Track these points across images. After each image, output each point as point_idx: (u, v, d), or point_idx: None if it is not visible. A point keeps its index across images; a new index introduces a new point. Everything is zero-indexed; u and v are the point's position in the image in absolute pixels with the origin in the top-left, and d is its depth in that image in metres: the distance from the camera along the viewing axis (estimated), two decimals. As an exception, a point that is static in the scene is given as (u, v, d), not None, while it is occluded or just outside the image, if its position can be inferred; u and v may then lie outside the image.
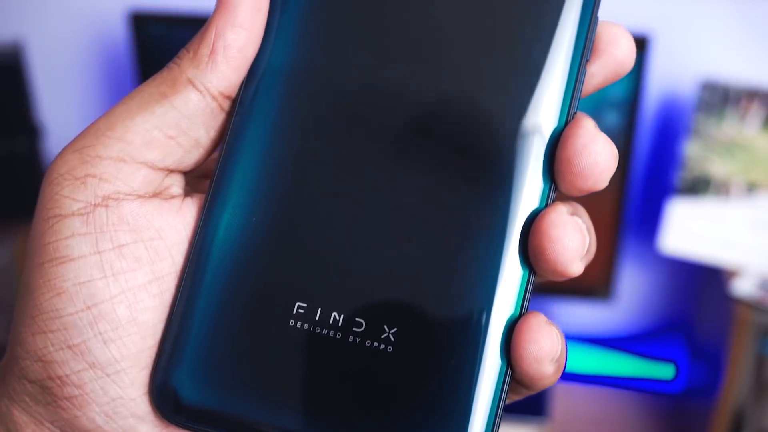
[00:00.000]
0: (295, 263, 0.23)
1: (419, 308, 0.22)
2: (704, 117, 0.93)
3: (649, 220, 1.08)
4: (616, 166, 0.22)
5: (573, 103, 0.23)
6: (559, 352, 0.22)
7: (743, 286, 0.91)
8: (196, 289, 0.23)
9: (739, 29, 0.98)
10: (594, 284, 1.03)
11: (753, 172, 0.94)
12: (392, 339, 0.22)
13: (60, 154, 0.23)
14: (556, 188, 0.23)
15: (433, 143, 0.23)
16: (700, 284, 1.05)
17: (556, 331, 0.22)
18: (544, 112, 0.23)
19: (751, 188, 0.94)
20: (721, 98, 0.93)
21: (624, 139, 0.96)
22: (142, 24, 0.99)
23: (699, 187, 0.95)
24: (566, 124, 0.23)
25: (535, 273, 0.23)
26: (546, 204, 0.23)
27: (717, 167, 0.94)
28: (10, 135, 0.97)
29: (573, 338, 1.16)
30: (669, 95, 1.03)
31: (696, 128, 0.94)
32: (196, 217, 0.23)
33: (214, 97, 0.23)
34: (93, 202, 0.22)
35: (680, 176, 0.96)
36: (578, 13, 0.23)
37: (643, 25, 0.96)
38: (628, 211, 1.07)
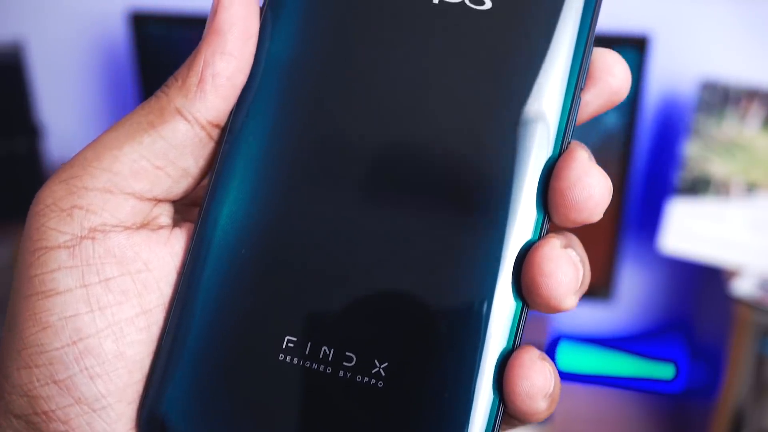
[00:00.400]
0: (284, 296, 0.22)
1: (411, 342, 0.22)
2: (704, 117, 0.93)
3: (649, 220, 1.08)
4: (610, 198, 0.22)
5: (567, 132, 0.23)
6: (552, 388, 0.22)
7: (743, 286, 0.91)
8: (185, 322, 0.22)
9: (739, 29, 0.98)
10: (594, 284, 1.04)
11: (753, 172, 0.94)
12: (383, 374, 0.22)
13: (46, 184, 0.22)
14: (550, 219, 0.23)
15: (425, 173, 0.22)
16: (700, 284, 1.05)
17: (550, 366, 0.22)
18: (538, 141, 0.22)
19: (751, 188, 0.94)
20: (721, 98, 0.93)
21: (624, 139, 0.96)
22: (142, 24, 0.99)
23: (699, 187, 0.95)
24: (560, 153, 0.23)
25: (528, 306, 0.22)
26: (540, 235, 0.22)
27: (717, 167, 0.94)
28: (10, 135, 0.97)
29: (573, 338, 1.16)
30: (669, 95, 1.03)
31: (696, 128, 0.94)
32: (185, 248, 0.23)
33: (202, 127, 0.23)
34: (79, 235, 0.22)
35: (680, 176, 0.96)
36: (573, 41, 0.23)
37: (643, 25, 0.96)
38: (628, 211, 1.07)
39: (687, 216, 0.96)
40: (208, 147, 0.23)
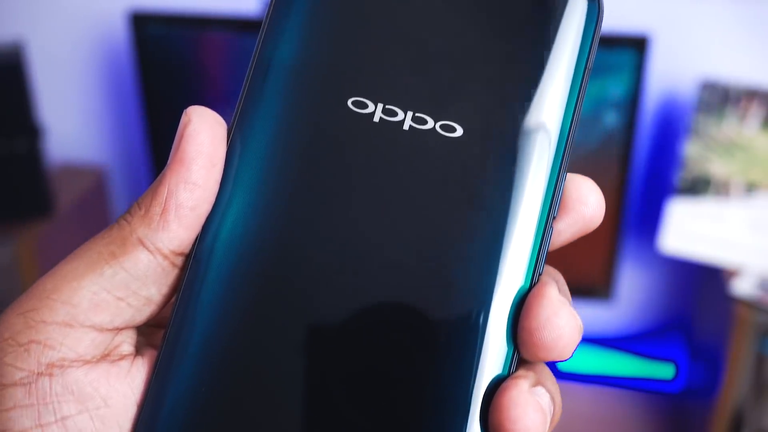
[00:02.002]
0: None
1: None
2: (704, 117, 0.94)
3: (649, 220, 1.08)
4: (580, 338, 0.22)
5: (539, 262, 0.22)
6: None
7: (743, 286, 0.91)
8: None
9: (739, 29, 0.98)
10: (594, 284, 1.04)
11: (752, 172, 0.94)
12: None
13: (4, 316, 0.22)
14: (519, 353, 0.22)
15: (393, 303, 0.22)
16: (700, 284, 1.05)
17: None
18: (509, 271, 0.22)
19: (751, 188, 0.94)
20: (720, 98, 0.93)
21: (624, 139, 0.96)
22: (142, 24, 0.99)
23: (699, 187, 0.95)
24: (531, 284, 0.22)
25: None
26: (509, 370, 0.22)
27: (717, 167, 0.94)
28: (11, 135, 0.97)
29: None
30: (669, 95, 1.03)
31: (696, 128, 0.94)
32: (146, 380, 0.23)
33: (165, 256, 0.22)
34: (36, 371, 0.21)
35: (680, 176, 0.96)
36: (546, 171, 0.22)
37: (643, 25, 0.96)
38: (628, 211, 1.07)
39: (687, 216, 0.96)
40: (171, 275, 0.23)
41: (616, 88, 0.93)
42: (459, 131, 0.23)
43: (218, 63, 1.03)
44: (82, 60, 1.14)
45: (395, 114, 0.23)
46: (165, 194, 0.22)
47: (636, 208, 1.09)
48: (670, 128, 1.04)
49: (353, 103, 0.23)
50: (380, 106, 0.23)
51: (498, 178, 0.22)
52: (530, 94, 0.23)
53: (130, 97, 1.15)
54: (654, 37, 0.95)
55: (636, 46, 0.91)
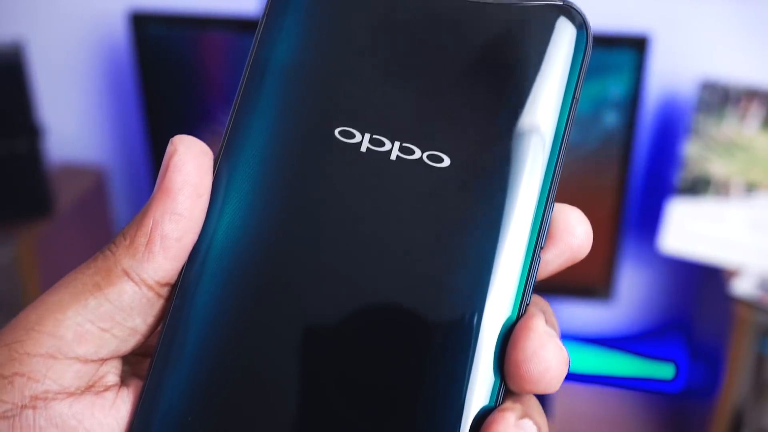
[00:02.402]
0: None
1: None
2: (704, 117, 0.94)
3: (649, 220, 1.08)
4: (567, 370, 0.22)
5: (526, 292, 0.22)
6: None
7: (743, 286, 0.91)
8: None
9: (739, 29, 0.98)
10: (594, 284, 1.04)
11: (752, 172, 0.94)
12: None
13: None
14: (507, 385, 0.22)
15: (381, 335, 0.22)
16: (700, 284, 1.05)
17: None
18: (496, 302, 0.22)
19: (751, 188, 0.94)
20: (720, 98, 0.93)
21: (624, 139, 0.96)
22: (142, 24, 0.99)
23: (699, 187, 0.95)
24: (519, 315, 0.22)
25: None
26: (496, 402, 0.22)
27: (717, 167, 0.94)
28: (11, 135, 0.97)
29: (573, 338, 1.16)
30: (669, 95, 1.03)
31: (696, 128, 0.94)
32: (131, 411, 0.22)
33: (150, 287, 0.22)
34: (20, 404, 0.21)
35: (680, 176, 0.96)
36: (534, 200, 0.22)
37: (643, 25, 0.96)
38: (628, 211, 1.07)
39: (687, 216, 0.96)
40: (156, 305, 0.23)
41: (616, 88, 0.93)
42: (446, 161, 0.22)
43: (218, 63, 1.03)
44: (82, 60, 1.14)
45: (382, 144, 0.23)
46: (150, 225, 0.22)
47: (636, 208, 1.09)
48: (670, 128, 1.04)
49: (340, 132, 0.23)
50: (367, 135, 0.23)
51: (485, 208, 0.22)
52: (517, 125, 0.22)
53: (130, 97, 1.15)
54: (654, 37, 0.95)
55: (636, 46, 0.92)
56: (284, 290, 0.22)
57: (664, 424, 1.06)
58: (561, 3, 0.23)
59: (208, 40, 1.01)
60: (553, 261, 0.23)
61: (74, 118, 1.17)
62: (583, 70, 0.23)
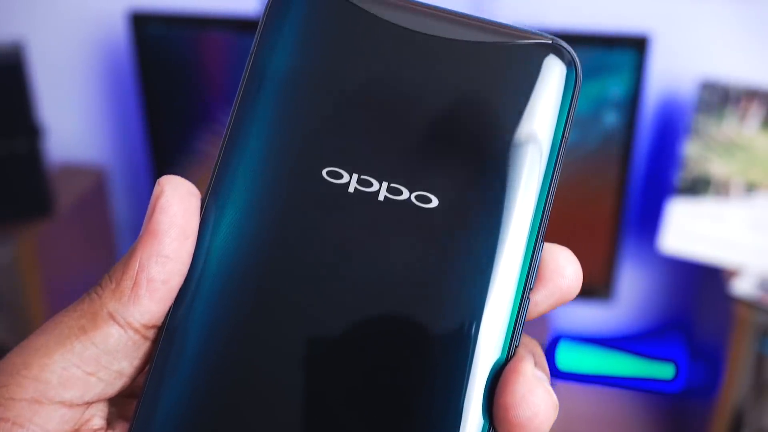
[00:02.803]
0: None
1: None
2: (704, 117, 0.94)
3: (649, 220, 1.08)
4: (556, 415, 0.21)
5: (515, 334, 0.22)
6: None
7: (743, 286, 0.91)
8: None
9: (739, 29, 0.98)
10: (594, 284, 1.04)
11: (752, 172, 0.94)
12: None
13: None
14: (495, 428, 0.22)
15: (370, 377, 0.22)
16: (700, 284, 1.05)
17: None
18: (485, 344, 0.22)
19: (751, 188, 0.94)
20: (720, 98, 0.93)
21: (624, 139, 0.96)
22: (142, 24, 0.99)
23: (699, 187, 0.95)
24: (508, 357, 0.22)
25: None
26: None
27: (716, 167, 0.94)
28: (11, 135, 0.97)
29: (573, 338, 1.16)
30: (669, 95, 1.03)
31: (696, 128, 0.94)
32: None
33: (136, 330, 0.22)
34: None
35: (680, 176, 0.96)
36: (523, 241, 0.22)
37: (643, 25, 0.96)
38: (628, 211, 1.07)
39: (687, 216, 0.96)
40: (143, 348, 0.22)
41: (616, 88, 0.94)
42: (434, 202, 0.22)
43: (218, 63, 1.03)
44: (82, 60, 1.14)
45: (370, 184, 0.23)
46: (136, 268, 0.22)
47: (636, 208, 1.09)
48: (670, 128, 1.04)
49: (328, 173, 0.23)
50: (355, 176, 0.23)
51: (474, 250, 0.22)
52: (506, 166, 0.22)
53: (130, 97, 1.15)
54: (654, 37, 0.95)
55: (636, 46, 0.92)
56: (271, 332, 0.22)
57: (664, 424, 1.06)
58: (550, 41, 0.23)
59: (208, 40, 1.01)
60: (542, 302, 0.23)
61: (74, 118, 1.17)
62: (573, 109, 0.23)
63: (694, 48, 1.00)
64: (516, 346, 0.22)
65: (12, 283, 0.97)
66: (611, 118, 0.95)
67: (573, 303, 1.12)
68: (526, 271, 0.22)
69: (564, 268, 0.23)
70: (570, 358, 1.13)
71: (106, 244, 1.17)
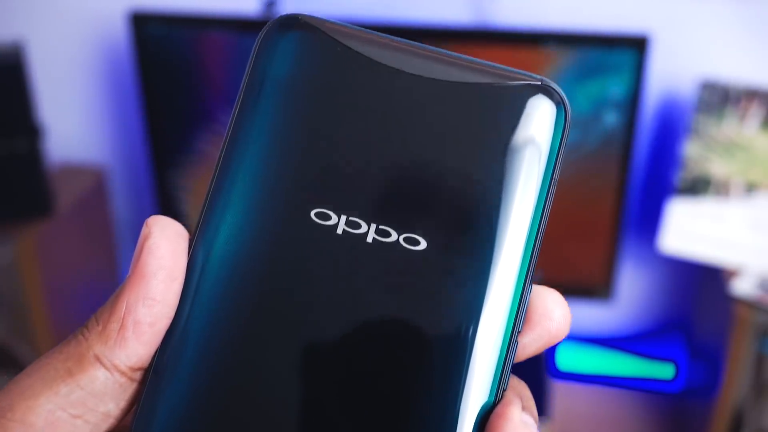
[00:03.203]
0: None
1: None
2: (704, 117, 0.94)
3: (649, 220, 1.08)
4: None
5: (503, 377, 0.22)
6: None
7: (743, 286, 0.91)
8: None
9: (739, 29, 0.98)
10: (594, 284, 1.04)
11: (752, 172, 0.94)
12: None
13: None
14: None
15: (356, 421, 0.22)
16: (700, 284, 1.05)
17: None
18: (472, 387, 0.22)
19: (751, 188, 0.94)
20: (720, 98, 0.93)
21: (624, 139, 0.96)
22: (142, 24, 0.99)
23: (699, 187, 0.95)
24: (495, 400, 0.22)
25: None
26: None
27: (716, 167, 0.94)
28: (11, 135, 0.97)
29: (573, 338, 1.16)
30: (669, 95, 1.03)
31: (696, 128, 0.94)
32: None
33: (122, 373, 0.22)
34: None
35: (680, 176, 0.96)
36: (511, 286, 0.22)
37: (643, 25, 0.96)
38: (628, 211, 1.07)
39: (687, 216, 0.96)
40: (129, 389, 0.22)
41: (616, 88, 0.94)
42: (423, 244, 0.22)
43: (218, 63, 1.03)
44: (82, 60, 1.14)
45: (359, 226, 0.23)
46: (123, 310, 0.22)
47: (636, 208, 1.09)
48: (670, 128, 1.04)
49: (316, 214, 0.23)
50: (343, 218, 0.23)
51: (462, 293, 0.22)
52: (495, 208, 0.22)
53: (130, 97, 1.15)
54: (654, 37, 0.95)
55: (636, 46, 0.92)
56: (259, 374, 0.22)
57: (664, 424, 1.06)
58: (539, 82, 0.23)
59: (208, 40, 1.01)
60: (530, 345, 0.23)
61: (74, 118, 1.17)
62: (562, 149, 0.23)
63: (694, 48, 1.00)
64: (504, 389, 0.22)
65: (12, 283, 0.97)
66: (611, 118, 0.95)
67: (573, 303, 1.12)
68: (514, 315, 0.22)
69: (552, 311, 0.23)
70: (570, 358, 1.13)
71: (106, 244, 1.17)
